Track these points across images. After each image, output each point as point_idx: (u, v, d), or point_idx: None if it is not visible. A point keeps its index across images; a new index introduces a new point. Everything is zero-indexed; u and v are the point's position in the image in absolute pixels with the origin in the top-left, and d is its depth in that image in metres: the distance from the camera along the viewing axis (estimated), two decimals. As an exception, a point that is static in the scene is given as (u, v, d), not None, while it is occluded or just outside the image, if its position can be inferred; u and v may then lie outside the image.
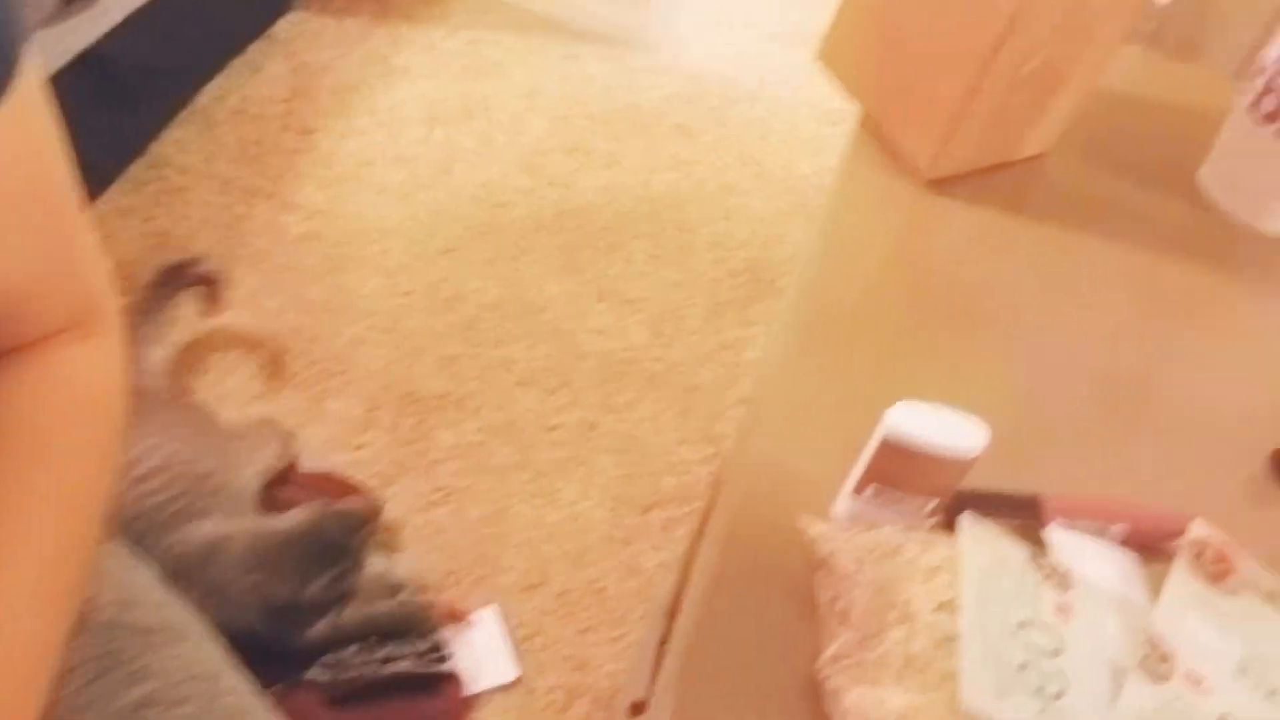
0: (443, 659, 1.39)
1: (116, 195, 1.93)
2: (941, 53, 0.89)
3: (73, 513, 0.66)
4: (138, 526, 1.20)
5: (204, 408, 1.51)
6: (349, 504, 1.32)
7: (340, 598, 1.26)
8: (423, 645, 1.39)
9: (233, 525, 1.23)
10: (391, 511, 1.56)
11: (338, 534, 1.26)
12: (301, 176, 2.04)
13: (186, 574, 1.12)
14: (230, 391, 1.68)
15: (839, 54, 0.98)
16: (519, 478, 1.63)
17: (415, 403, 1.71)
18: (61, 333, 0.68)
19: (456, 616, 1.45)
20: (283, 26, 2.34)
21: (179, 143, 2.05)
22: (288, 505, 1.42)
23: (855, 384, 0.76)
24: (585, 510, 1.61)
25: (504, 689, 1.40)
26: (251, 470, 1.41)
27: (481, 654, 1.43)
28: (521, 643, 1.45)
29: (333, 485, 1.54)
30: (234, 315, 1.78)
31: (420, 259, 1.93)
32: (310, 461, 1.59)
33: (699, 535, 1.26)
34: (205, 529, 1.21)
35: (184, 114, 2.11)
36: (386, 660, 1.37)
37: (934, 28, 0.90)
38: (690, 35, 2.55)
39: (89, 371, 0.70)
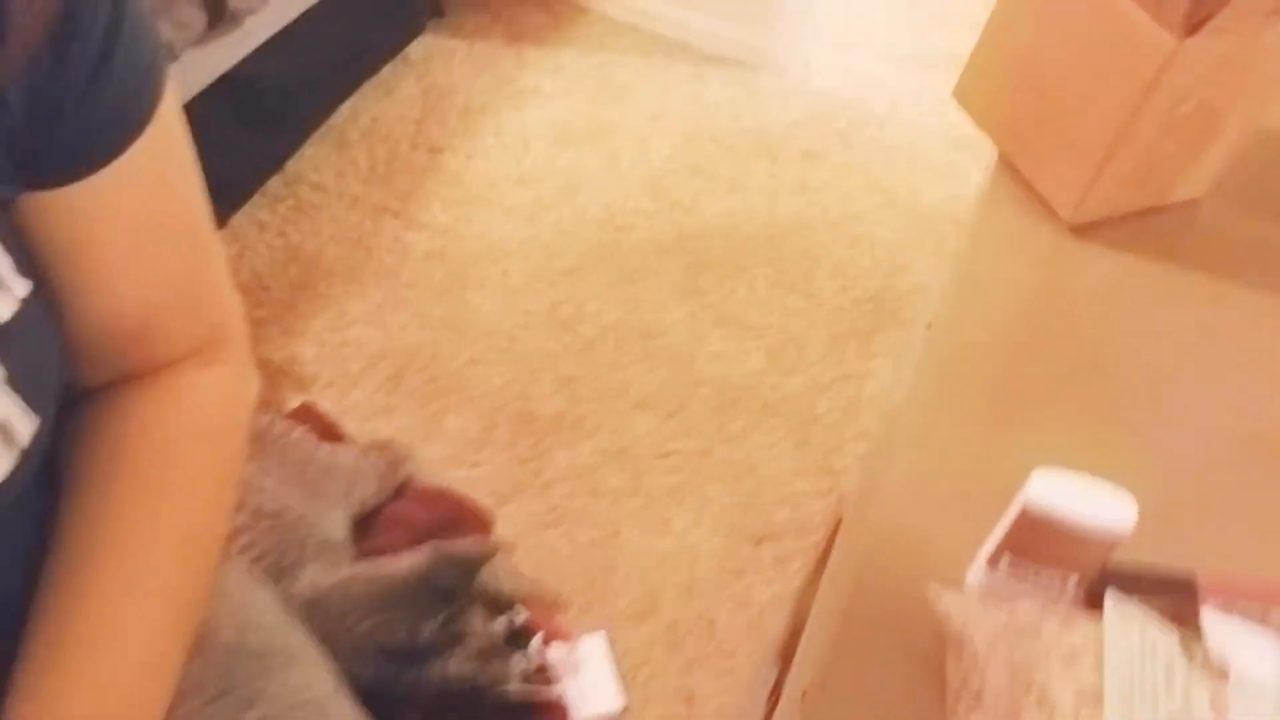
0: (549, 681, 1.39)
1: (253, 210, 2.00)
2: (1088, 92, 0.85)
3: (194, 540, 0.67)
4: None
5: (298, 439, 1.53)
6: (463, 547, 1.31)
7: (455, 639, 1.26)
8: (529, 666, 1.39)
9: (333, 576, 1.24)
10: (504, 530, 1.56)
11: (451, 578, 1.26)
12: (429, 196, 2.08)
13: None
14: (353, 405, 1.72)
15: (975, 91, 0.94)
16: (631, 503, 1.63)
17: (531, 423, 1.72)
18: (188, 359, 0.69)
19: (563, 639, 1.45)
20: (416, 48, 2.40)
21: (313, 160, 2.12)
22: (397, 524, 1.43)
23: (990, 442, 0.73)
24: (697, 540, 1.59)
25: (609, 718, 1.39)
26: (342, 513, 1.43)
27: (587, 681, 1.42)
28: (628, 672, 1.44)
29: (447, 502, 1.56)
30: (360, 331, 1.83)
31: (541, 279, 1.95)
32: (425, 478, 1.61)
33: (815, 575, 1.23)
34: (302, 584, 1.22)
35: (319, 132, 2.18)
36: (492, 682, 1.37)
37: (1081, 66, 0.86)
38: (817, 58, 2.51)
39: (213, 399, 0.71)
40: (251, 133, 1.96)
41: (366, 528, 1.48)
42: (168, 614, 0.63)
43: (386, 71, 2.33)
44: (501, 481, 1.64)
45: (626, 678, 1.43)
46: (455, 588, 1.25)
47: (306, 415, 1.57)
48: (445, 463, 1.65)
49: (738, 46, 2.47)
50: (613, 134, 2.27)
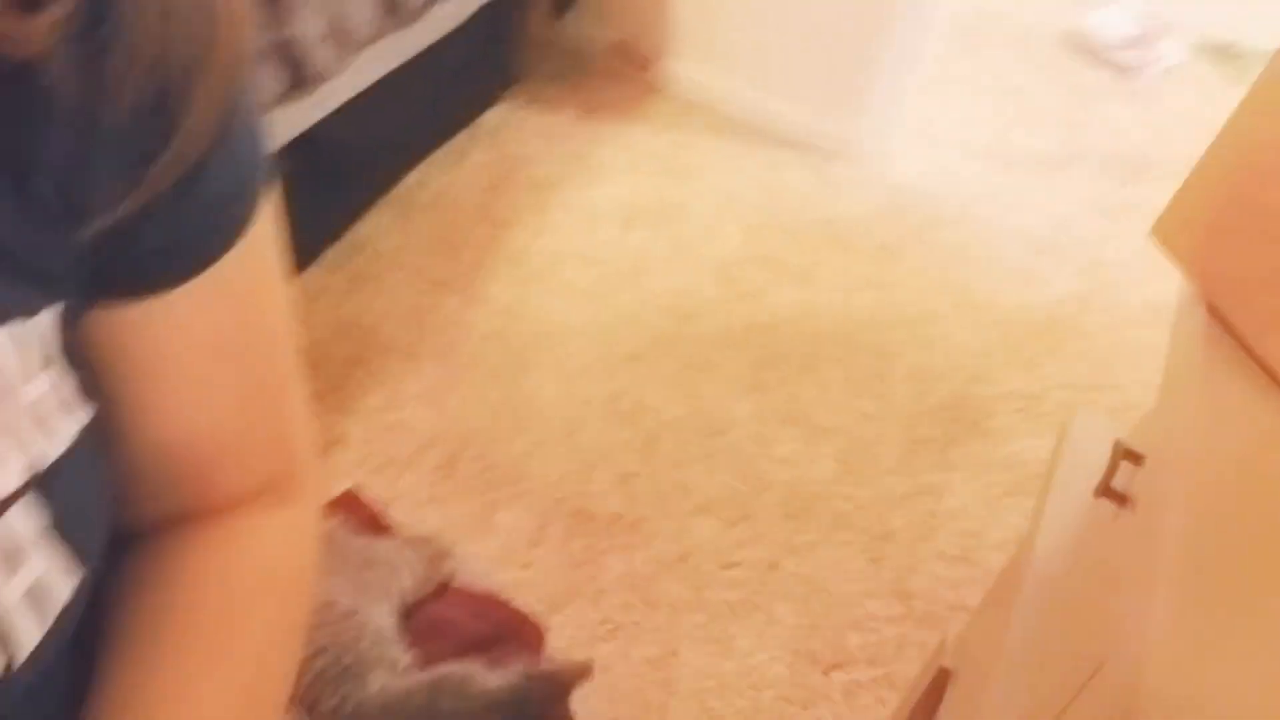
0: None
1: (313, 276, 1.94)
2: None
3: (257, 700, 0.58)
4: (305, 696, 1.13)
5: (335, 528, 1.45)
6: (558, 669, 1.21)
7: None
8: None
9: (404, 681, 1.15)
10: (555, 642, 1.46)
11: (545, 701, 1.16)
12: (491, 271, 2.02)
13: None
14: (403, 493, 1.63)
15: (1182, 231, 0.82)
16: (691, 619, 1.52)
17: (587, 521, 1.62)
18: (254, 499, 0.61)
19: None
20: (490, 117, 2.35)
21: (377, 226, 2.06)
22: (443, 630, 1.33)
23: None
24: (761, 664, 1.48)
25: None
26: (389, 607, 1.34)
27: (639, 818, 1.31)
28: (683, 810, 1.32)
29: (497, 610, 1.46)
30: (414, 412, 1.75)
31: (603, 364, 1.87)
32: (472, 578, 1.52)
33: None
34: (372, 690, 1.12)
35: (384, 199, 2.13)
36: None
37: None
38: (895, 149, 2.44)
39: (281, 546, 0.63)
40: (319, 196, 1.91)
41: (406, 629, 1.38)
42: None
43: (459, 138, 2.28)
44: (553, 586, 1.54)
45: (680, 816, 1.32)
46: (547, 714, 1.16)
47: (350, 504, 1.48)
48: (495, 561, 1.56)
49: (816, 133, 2.41)
50: (682, 217, 2.20)
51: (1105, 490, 0.71)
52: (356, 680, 1.14)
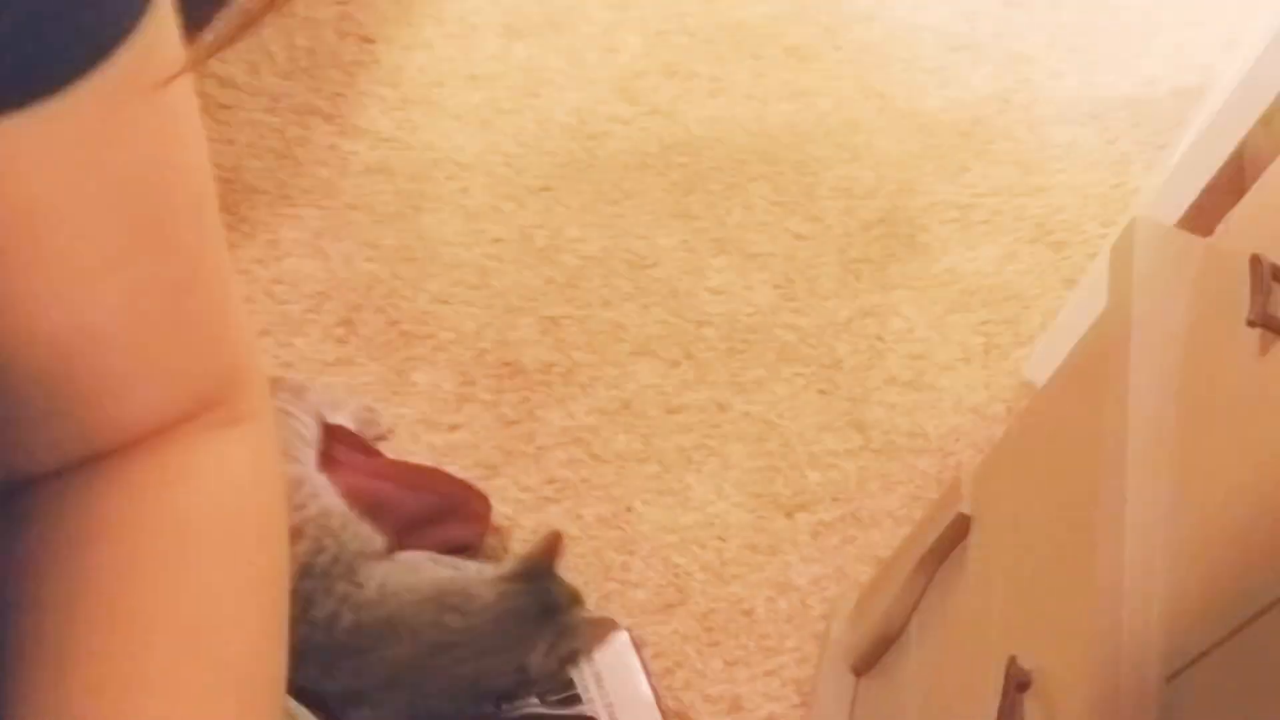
0: (575, 698, 1.17)
1: (151, 111, 1.63)
2: None
3: (247, 680, 0.42)
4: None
5: None
6: (531, 555, 1.09)
7: (568, 659, 1.07)
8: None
9: (410, 596, 1.02)
10: (499, 511, 1.32)
11: (549, 597, 1.06)
12: (364, 96, 1.75)
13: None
14: (299, 358, 1.42)
15: None
16: (642, 471, 1.39)
17: (516, 374, 1.45)
18: (191, 421, 0.44)
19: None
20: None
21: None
22: (381, 512, 1.17)
23: None
24: (721, 512, 1.37)
25: (646, 737, 1.18)
26: (313, 464, 1.17)
27: (615, 691, 1.20)
28: (660, 677, 1.23)
29: (432, 480, 1.29)
30: (297, 264, 1.51)
31: (508, 199, 1.66)
32: (402, 448, 1.34)
33: (916, 568, 1.03)
34: (370, 591, 1.00)
35: (222, 14, 1.80)
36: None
37: None
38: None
39: (242, 474, 0.45)
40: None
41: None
42: None
43: (301, -58, 1.94)
44: (488, 448, 1.38)
45: (658, 684, 1.22)
46: (547, 596, 1.05)
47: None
48: (419, 426, 1.38)
49: (707, -75, 2.16)
50: (572, 25, 1.95)
51: (1264, 317, 0.59)
52: (348, 576, 0.99)
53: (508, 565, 1.07)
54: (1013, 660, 0.74)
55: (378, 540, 1.08)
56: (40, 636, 0.38)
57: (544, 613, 1.05)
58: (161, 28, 0.36)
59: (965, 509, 0.98)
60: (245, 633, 0.42)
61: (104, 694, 0.37)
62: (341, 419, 1.27)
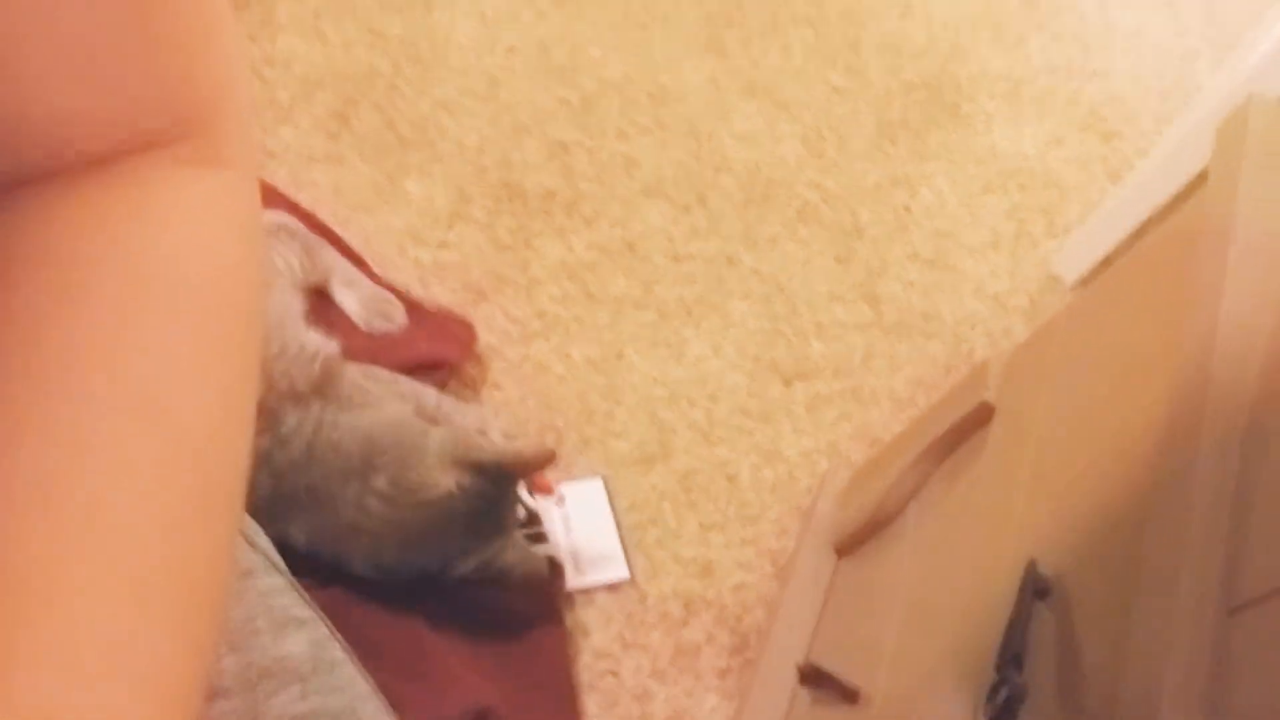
0: (541, 537, 1.10)
1: None
2: None
3: (200, 455, 0.34)
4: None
5: None
6: (520, 456, 0.98)
7: (493, 577, 0.98)
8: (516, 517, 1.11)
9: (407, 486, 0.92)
10: (484, 337, 1.23)
11: (499, 496, 0.95)
12: None
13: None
14: (284, 147, 1.30)
15: None
16: (638, 317, 1.31)
17: (516, 197, 1.35)
18: (156, 147, 0.35)
19: (545, 489, 1.16)
20: None
21: None
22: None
23: None
24: (716, 370, 1.29)
25: (608, 589, 1.13)
26: (296, 298, 1.07)
27: (584, 540, 1.15)
28: (632, 531, 1.17)
29: (417, 305, 1.20)
30: (291, 44, 1.38)
31: (528, 6, 1.52)
32: (387, 260, 1.25)
33: (924, 455, 0.96)
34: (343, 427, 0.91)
35: None
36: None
37: None
38: None
39: (214, 218, 0.37)
40: None
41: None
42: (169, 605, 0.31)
43: None
44: (477, 271, 1.28)
45: (629, 538, 1.16)
46: (503, 523, 0.96)
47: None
48: (406, 237, 1.28)
49: None
50: None
51: None
52: (271, 428, 0.90)
53: (475, 453, 0.94)
54: (1032, 564, 0.67)
55: (317, 351, 0.97)
56: None
57: (491, 524, 0.95)
58: None
59: (989, 397, 0.90)
60: (204, 402, 0.34)
61: (24, 454, 0.30)
62: (347, 299, 1.16)
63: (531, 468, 0.98)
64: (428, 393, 1.08)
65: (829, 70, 1.59)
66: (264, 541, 0.64)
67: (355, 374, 1.03)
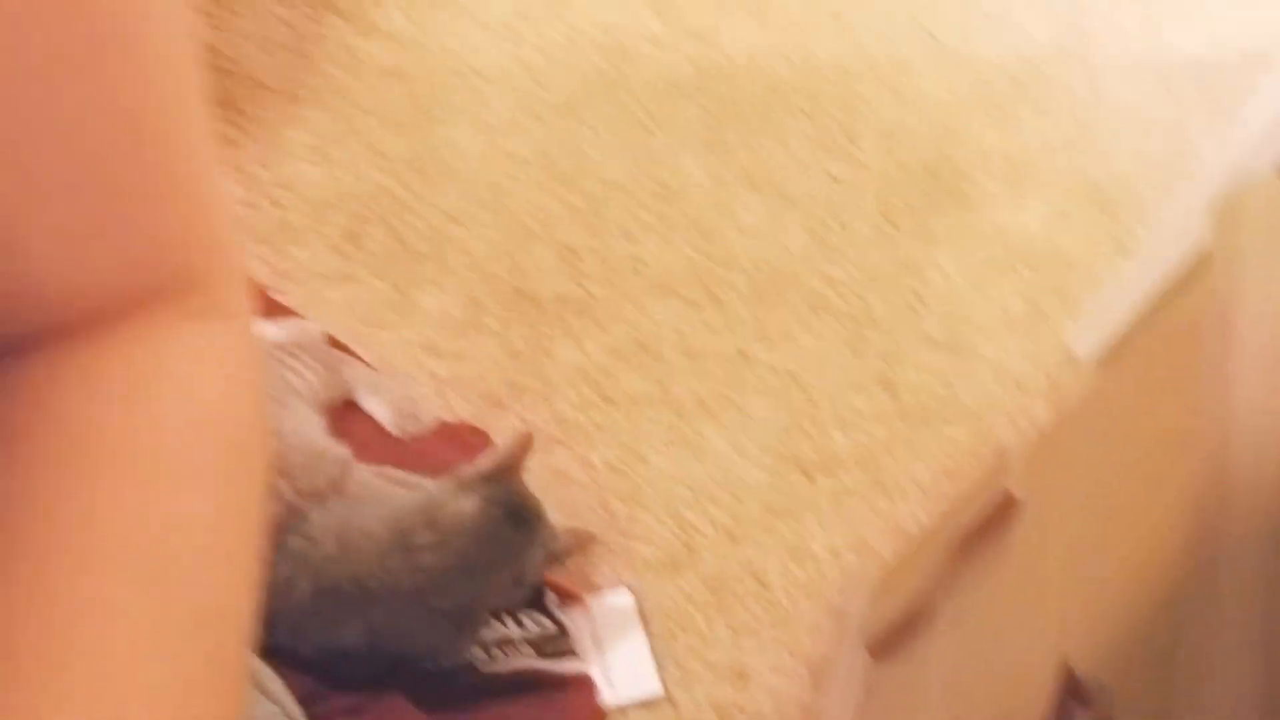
0: (571, 652, 1.09)
1: None
2: None
3: (207, 622, 0.34)
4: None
5: None
6: (498, 458, 1.03)
7: (554, 559, 1.03)
8: (543, 630, 1.09)
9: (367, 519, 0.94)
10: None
11: (511, 493, 0.99)
12: (383, -8, 1.63)
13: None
14: (298, 268, 1.32)
15: None
16: (656, 417, 1.30)
17: (527, 303, 1.36)
18: (164, 299, 0.36)
19: (573, 597, 1.15)
20: None
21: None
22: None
23: None
24: (738, 469, 1.29)
25: (641, 705, 1.11)
26: (316, 415, 1.08)
27: (615, 654, 1.13)
28: (661, 639, 1.15)
29: (445, 439, 1.20)
30: (302, 169, 1.41)
31: (530, 116, 1.55)
32: (396, 380, 1.25)
33: (954, 553, 0.94)
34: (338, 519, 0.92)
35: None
36: (502, 644, 1.07)
37: None
38: None
39: (219, 375, 0.37)
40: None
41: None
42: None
43: None
44: (493, 380, 1.29)
45: (659, 647, 1.14)
46: (529, 508, 0.99)
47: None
48: (421, 351, 1.29)
49: None
50: (611, -66, 1.82)
51: None
52: (300, 529, 0.91)
53: (471, 471, 1.00)
54: (1067, 667, 0.65)
55: (333, 456, 1.00)
56: None
57: (522, 517, 0.99)
58: None
59: (1013, 487, 0.89)
60: (212, 567, 0.34)
61: (34, 623, 0.29)
62: (375, 406, 1.19)
63: (520, 453, 1.02)
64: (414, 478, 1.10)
65: (828, 159, 1.61)
66: (277, 687, 0.63)
67: (368, 474, 1.05)
